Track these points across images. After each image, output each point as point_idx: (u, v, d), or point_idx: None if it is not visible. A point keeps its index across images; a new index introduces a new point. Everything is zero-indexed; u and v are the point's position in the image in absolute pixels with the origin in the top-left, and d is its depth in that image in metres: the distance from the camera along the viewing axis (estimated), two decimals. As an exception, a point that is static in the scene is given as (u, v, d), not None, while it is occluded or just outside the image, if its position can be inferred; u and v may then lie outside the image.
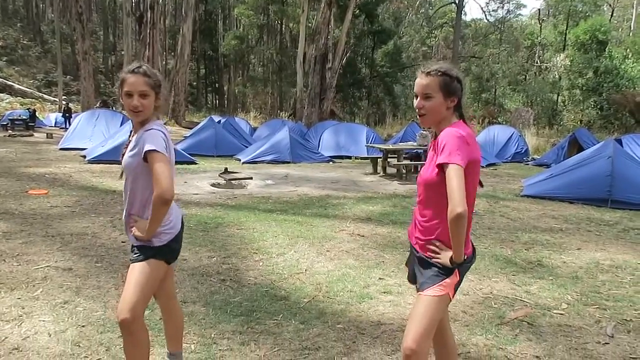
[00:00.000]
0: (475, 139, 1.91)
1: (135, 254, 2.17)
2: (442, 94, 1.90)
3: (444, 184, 1.81)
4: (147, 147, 2.03)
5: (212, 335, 3.00)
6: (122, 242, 4.87)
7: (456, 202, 1.72)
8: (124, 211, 2.25)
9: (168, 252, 2.20)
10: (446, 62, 2.04)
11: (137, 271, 2.13)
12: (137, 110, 2.12)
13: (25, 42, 44.01)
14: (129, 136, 2.27)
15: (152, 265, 2.14)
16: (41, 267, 4.09)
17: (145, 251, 2.15)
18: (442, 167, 1.82)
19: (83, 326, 3.05)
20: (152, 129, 2.12)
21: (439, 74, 1.90)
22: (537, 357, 2.88)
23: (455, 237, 1.80)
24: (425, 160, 2.06)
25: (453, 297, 1.94)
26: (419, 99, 1.94)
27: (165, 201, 2.00)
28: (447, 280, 1.89)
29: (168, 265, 2.24)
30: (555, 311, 3.56)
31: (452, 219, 1.74)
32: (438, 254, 1.91)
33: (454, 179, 1.74)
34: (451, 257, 1.86)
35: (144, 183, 2.13)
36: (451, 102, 1.92)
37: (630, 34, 39.83)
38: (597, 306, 3.68)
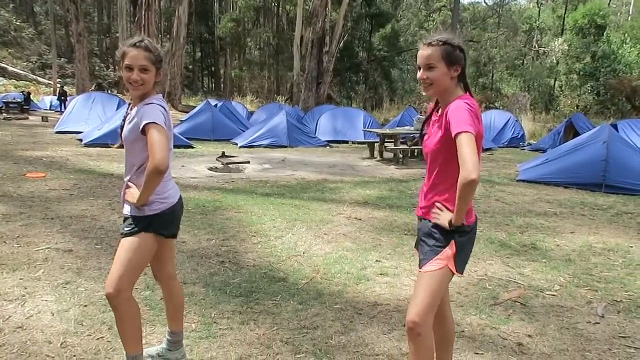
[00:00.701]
0: (480, 114, 1.92)
1: (127, 226, 2.19)
2: (445, 64, 1.90)
3: (448, 153, 1.83)
4: (146, 120, 2.05)
5: (212, 315, 3.07)
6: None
7: (471, 168, 1.70)
8: (124, 183, 2.28)
9: (159, 223, 2.21)
10: (447, 32, 2.04)
11: (125, 247, 2.17)
12: (137, 84, 2.14)
13: (18, 23, 43.36)
14: (127, 109, 2.29)
15: (140, 240, 2.17)
16: (42, 249, 4.13)
17: (137, 222, 2.18)
18: (451, 137, 1.80)
19: (85, 306, 3.11)
20: (151, 102, 2.14)
21: (441, 43, 1.90)
22: (529, 336, 2.96)
23: (461, 201, 1.80)
24: (421, 145, 2.08)
25: (457, 271, 1.95)
26: (422, 70, 1.95)
27: (160, 172, 2.01)
28: (445, 251, 1.92)
29: (158, 237, 2.23)
30: (547, 292, 3.64)
31: (465, 183, 1.72)
32: (439, 215, 1.94)
33: (467, 145, 1.73)
34: (450, 220, 1.88)
35: (141, 155, 2.16)
36: (454, 71, 1.93)
37: (629, 19, 39.61)
38: (588, 288, 3.76)
